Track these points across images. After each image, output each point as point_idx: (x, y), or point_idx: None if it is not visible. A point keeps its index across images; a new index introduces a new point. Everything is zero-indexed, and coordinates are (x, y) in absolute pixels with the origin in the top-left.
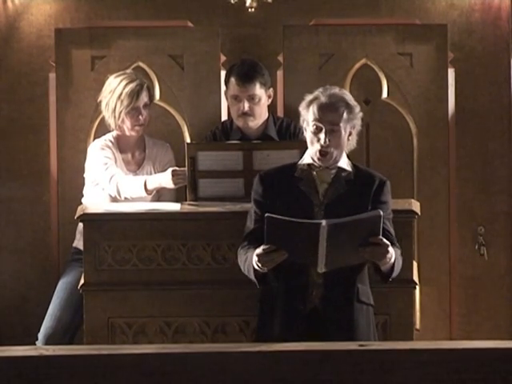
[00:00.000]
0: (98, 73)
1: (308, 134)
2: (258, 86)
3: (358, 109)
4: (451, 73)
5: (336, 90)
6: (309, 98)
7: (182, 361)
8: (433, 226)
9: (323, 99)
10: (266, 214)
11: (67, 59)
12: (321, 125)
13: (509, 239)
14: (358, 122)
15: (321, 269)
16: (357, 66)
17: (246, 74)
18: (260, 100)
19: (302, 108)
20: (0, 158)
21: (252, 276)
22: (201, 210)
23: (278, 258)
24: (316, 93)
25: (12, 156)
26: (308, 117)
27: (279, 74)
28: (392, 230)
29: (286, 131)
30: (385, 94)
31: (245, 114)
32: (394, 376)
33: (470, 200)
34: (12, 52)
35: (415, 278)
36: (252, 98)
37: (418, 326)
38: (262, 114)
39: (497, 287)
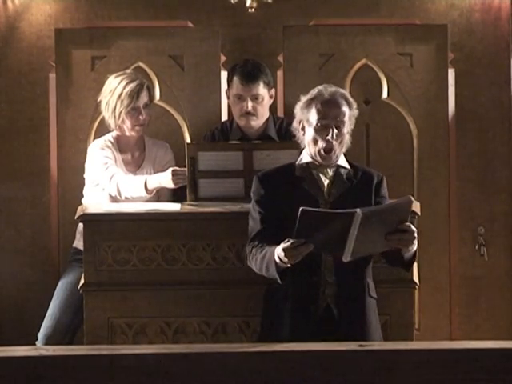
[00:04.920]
0: (97, 73)
1: (309, 133)
2: (261, 85)
3: (355, 106)
4: (451, 73)
5: (334, 87)
6: (308, 97)
7: (182, 361)
8: (433, 226)
9: (326, 96)
10: (302, 208)
11: (67, 59)
12: (326, 121)
13: (509, 239)
14: (354, 120)
15: (346, 258)
16: (357, 66)
17: (250, 73)
18: (263, 100)
19: (300, 108)
20: (0, 158)
21: (274, 272)
22: (201, 210)
23: (305, 251)
24: (316, 91)
25: (12, 156)
26: (309, 116)
27: (279, 74)
28: None
29: (286, 131)
30: (385, 94)
31: (248, 114)
32: (394, 376)
33: (470, 200)
34: (12, 52)
35: (415, 278)
36: (255, 98)
37: (417, 325)
38: (264, 114)
39: (497, 287)
